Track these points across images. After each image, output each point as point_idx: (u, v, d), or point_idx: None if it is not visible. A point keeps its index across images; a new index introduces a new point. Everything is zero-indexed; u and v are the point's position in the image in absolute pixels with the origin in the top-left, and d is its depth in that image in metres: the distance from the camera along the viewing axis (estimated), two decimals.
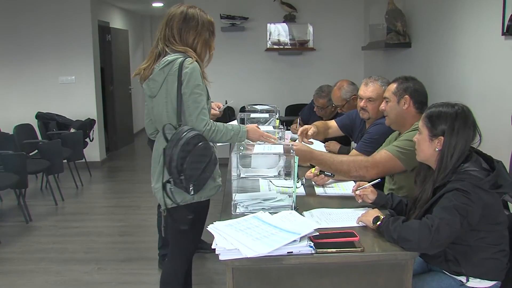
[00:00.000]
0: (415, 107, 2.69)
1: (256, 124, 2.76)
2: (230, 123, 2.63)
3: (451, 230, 1.87)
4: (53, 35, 7.26)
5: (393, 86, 2.76)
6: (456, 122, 2.02)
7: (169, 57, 2.36)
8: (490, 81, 3.44)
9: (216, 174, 2.48)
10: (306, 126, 3.38)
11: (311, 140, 3.28)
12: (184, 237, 2.54)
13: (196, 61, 2.38)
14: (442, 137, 2.05)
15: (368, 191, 2.32)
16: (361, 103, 3.27)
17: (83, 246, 4.42)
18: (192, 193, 2.33)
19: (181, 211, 2.43)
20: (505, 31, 2.45)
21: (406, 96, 2.68)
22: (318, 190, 2.73)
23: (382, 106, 2.81)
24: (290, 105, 7.27)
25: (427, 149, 2.11)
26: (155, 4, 9.26)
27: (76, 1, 7.22)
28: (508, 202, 2.35)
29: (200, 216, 2.54)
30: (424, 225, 1.89)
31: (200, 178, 2.32)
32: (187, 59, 2.34)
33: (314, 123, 3.65)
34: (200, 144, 2.28)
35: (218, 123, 2.42)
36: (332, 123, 3.75)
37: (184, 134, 2.28)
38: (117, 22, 9.45)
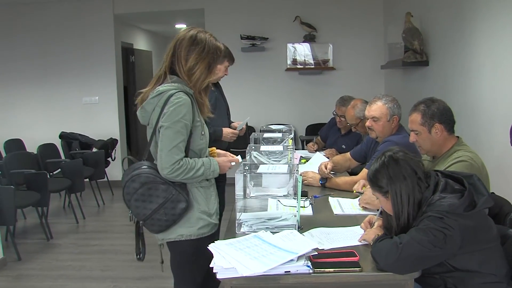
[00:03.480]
0: (446, 129, 2.61)
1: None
2: None
3: (420, 249, 1.83)
4: (77, 56, 7.46)
5: (418, 117, 2.63)
6: (388, 171, 2.01)
7: (161, 87, 2.24)
8: (507, 100, 3.39)
9: (205, 211, 2.33)
10: (323, 162, 3.42)
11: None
12: (181, 273, 2.53)
13: (190, 94, 2.26)
14: None
15: (379, 223, 2.25)
16: (367, 123, 3.30)
17: (100, 264, 4.48)
18: (154, 232, 2.35)
19: (179, 246, 2.38)
20: None
21: (437, 124, 2.59)
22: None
23: (413, 138, 2.70)
24: (311, 124, 7.27)
25: (389, 207, 2.07)
26: (178, 26, 9.43)
27: (100, 22, 7.41)
28: None
29: (200, 254, 2.30)
30: (393, 243, 1.89)
31: (154, 218, 2.26)
32: (177, 93, 2.20)
33: (332, 158, 3.71)
34: (147, 184, 2.20)
35: (187, 159, 2.23)
36: (348, 155, 3.76)
37: (134, 171, 2.22)
38: (140, 43, 9.64)
